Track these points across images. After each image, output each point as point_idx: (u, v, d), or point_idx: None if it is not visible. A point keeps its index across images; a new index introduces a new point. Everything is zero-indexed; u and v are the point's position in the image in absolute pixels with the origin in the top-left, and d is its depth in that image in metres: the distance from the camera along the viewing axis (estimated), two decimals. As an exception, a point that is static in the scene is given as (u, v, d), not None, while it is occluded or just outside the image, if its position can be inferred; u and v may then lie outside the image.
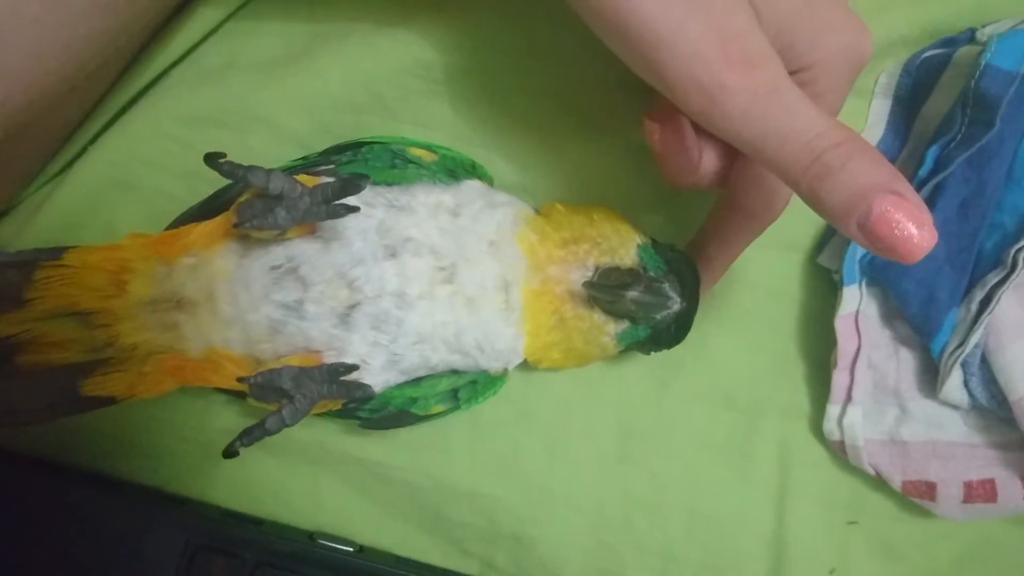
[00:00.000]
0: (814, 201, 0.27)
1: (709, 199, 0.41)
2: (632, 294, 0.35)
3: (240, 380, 0.33)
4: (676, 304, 0.35)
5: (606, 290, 0.35)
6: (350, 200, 0.32)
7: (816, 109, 0.27)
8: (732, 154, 0.34)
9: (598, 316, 0.35)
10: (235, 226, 0.32)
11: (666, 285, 0.35)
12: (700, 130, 0.33)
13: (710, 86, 0.27)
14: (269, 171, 0.32)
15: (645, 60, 0.28)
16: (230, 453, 0.33)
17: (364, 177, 0.32)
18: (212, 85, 0.40)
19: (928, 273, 0.38)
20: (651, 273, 0.35)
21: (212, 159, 0.31)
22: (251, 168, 0.31)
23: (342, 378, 0.33)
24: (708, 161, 0.34)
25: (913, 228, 0.25)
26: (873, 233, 0.26)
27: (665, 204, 0.41)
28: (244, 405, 0.39)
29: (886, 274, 0.39)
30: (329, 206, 0.32)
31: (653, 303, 0.35)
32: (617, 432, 0.41)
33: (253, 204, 0.32)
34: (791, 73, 0.30)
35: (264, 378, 0.33)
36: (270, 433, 0.33)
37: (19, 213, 0.41)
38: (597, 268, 0.35)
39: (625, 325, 0.36)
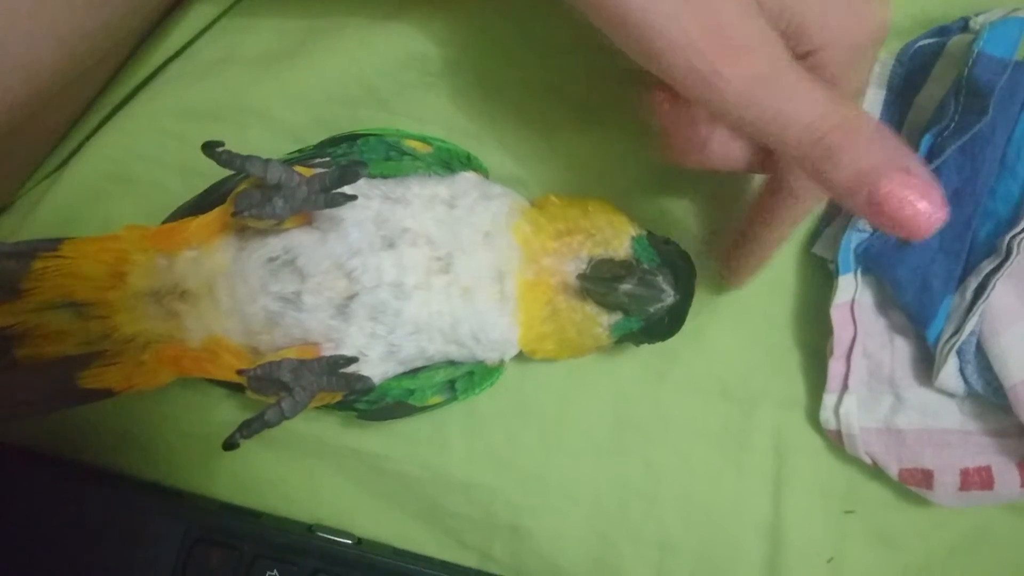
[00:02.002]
0: (823, 180, 0.27)
1: (705, 191, 0.41)
2: (625, 286, 0.35)
3: (239, 373, 0.33)
4: (669, 297, 0.35)
5: (599, 282, 0.35)
6: (347, 189, 0.32)
7: (819, 89, 0.27)
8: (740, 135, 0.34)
9: (591, 308, 0.35)
10: (233, 215, 0.32)
11: (659, 278, 0.35)
12: None
13: (706, 74, 0.27)
14: (267, 160, 0.32)
15: (643, 50, 0.28)
16: (230, 445, 0.33)
17: (362, 164, 0.32)
18: (208, 80, 0.40)
19: (922, 261, 0.38)
20: (644, 265, 0.35)
21: (210, 148, 0.32)
22: (249, 157, 0.32)
23: (342, 370, 0.33)
24: (717, 137, 0.33)
25: (922, 204, 0.25)
26: (882, 211, 0.25)
27: (660, 195, 0.41)
28: (243, 399, 0.39)
29: (881, 263, 0.39)
30: (327, 195, 0.32)
31: (646, 296, 0.35)
32: (613, 423, 0.41)
33: (251, 194, 0.32)
34: (802, 56, 0.30)
35: (263, 371, 0.33)
36: (270, 426, 0.33)
37: (17, 209, 0.41)
38: (591, 260, 0.35)
39: (618, 317, 0.36)
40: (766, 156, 0.34)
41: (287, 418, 0.33)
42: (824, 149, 0.26)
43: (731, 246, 0.38)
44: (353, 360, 0.33)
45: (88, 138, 0.40)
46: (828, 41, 0.30)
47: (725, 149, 0.34)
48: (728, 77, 0.27)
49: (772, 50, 0.28)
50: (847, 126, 0.26)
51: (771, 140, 0.27)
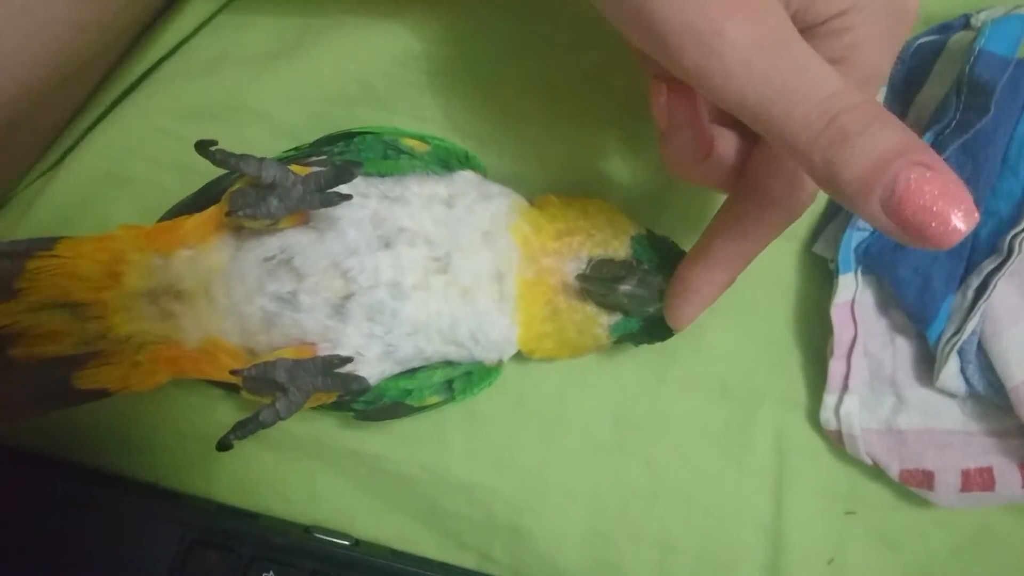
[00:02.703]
0: (829, 175, 0.23)
1: (708, 189, 0.41)
2: (625, 287, 0.35)
3: (233, 373, 0.33)
4: None
5: (599, 283, 0.35)
6: (343, 188, 0.32)
7: (829, 68, 0.24)
8: (747, 148, 0.31)
9: (591, 308, 0.35)
10: (227, 215, 0.32)
11: (659, 278, 0.35)
12: (714, 118, 0.31)
13: (708, 35, 0.24)
14: (261, 159, 0.32)
15: (636, 11, 0.25)
16: (224, 446, 0.33)
17: (357, 164, 0.32)
18: (204, 78, 0.40)
19: (924, 261, 0.38)
20: (644, 266, 0.35)
21: (203, 147, 0.31)
22: (243, 156, 0.31)
23: (337, 370, 0.33)
24: (722, 146, 0.31)
25: (946, 206, 0.21)
26: (900, 213, 0.22)
27: (659, 194, 0.41)
28: (241, 399, 0.39)
29: (881, 262, 0.39)
30: (322, 194, 0.31)
31: (646, 296, 0.35)
32: (613, 422, 0.41)
33: (246, 193, 0.32)
34: (821, 23, 0.28)
35: (258, 371, 0.32)
36: (264, 426, 0.32)
37: (12, 208, 0.41)
38: (590, 260, 0.35)
39: (618, 317, 0.36)
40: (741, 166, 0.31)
41: (282, 419, 0.32)
42: (838, 132, 0.23)
43: (679, 274, 0.34)
44: (348, 360, 0.33)
45: (84, 136, 0.40)
46: (854, 5, 0.27)
47: (726, 158, 0.31)
48: (732, 39, 0.24)
49: (780, 18, 0.25)
50: (864, 109, 0.23)
51: (771, 123, 0.24)
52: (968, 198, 0.22)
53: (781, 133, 0.24)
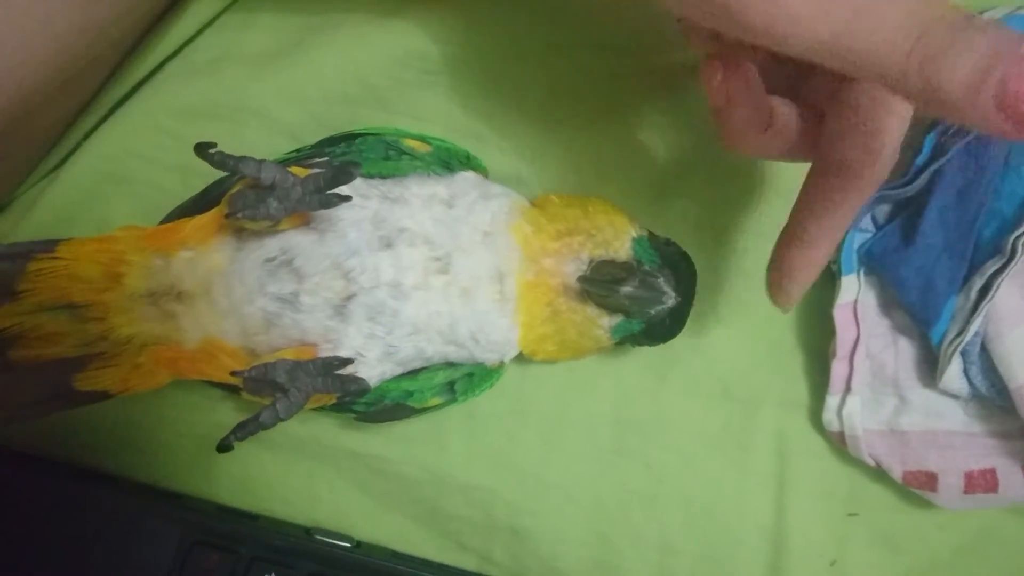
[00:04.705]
0: (929, 92, 0.22)
1: (710, 190, 0.40)
2: (625, 288, 0.34)
3: (234, 374, 0.33)
4: (670, 299, 0.35)
5: (599, 284, 0.34)
6: (342, 190, 0.32)
7: None
8: (807, 115, 0.31)
9: (591, 309, 0.35)
10: (227, 216, 0.32)
11: (660, 279, 0.35)
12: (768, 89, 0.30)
13: None
14: (260, 161, 0.32)
15: None
16: (224, 447, 0.33)
17: (355, 164, 0.31)
18: (205, 78, 0.40)
19: (926, 261, 0.38)
20: (645, 267, 0.35)
21: (202, 149, 0.31)
22: (242, 158, 0.31)
23: (337, 372, 0.33)
24: (781, 116, 0.31)
25: None
26: (1017, 108, 0.21)
27: (662, 195, 0.41)
28: (241, 400, 0.39)
29: (884, 263, 0.38)
30: (321, 195, 0.31)
31: (647, 298, 0.35)
32: (613, 424, 0.41)
33: (245, 195, 0.32)
34: None
35: (258, 372, 0.32)
36: (264, 427, 0.32)
37: (14, 209, 0.41)
38: (591, 261, 0.35)
39: (619, 319, 0.35)
40: (815, 132, 0.31)
41: (282, 419, 0.32)
42: (931, 44, 0.22)
43: (777, 257, 0.34)
44: (348, 361, 0.33)
45: (85, 137, 0.40)
46: None
47: (787, 126, 0.31)
48: None
49: None
50: (949, 16, 0.22)
51: (854, 57, 0.23)
52: None
53: (867, 64, 0.23)
